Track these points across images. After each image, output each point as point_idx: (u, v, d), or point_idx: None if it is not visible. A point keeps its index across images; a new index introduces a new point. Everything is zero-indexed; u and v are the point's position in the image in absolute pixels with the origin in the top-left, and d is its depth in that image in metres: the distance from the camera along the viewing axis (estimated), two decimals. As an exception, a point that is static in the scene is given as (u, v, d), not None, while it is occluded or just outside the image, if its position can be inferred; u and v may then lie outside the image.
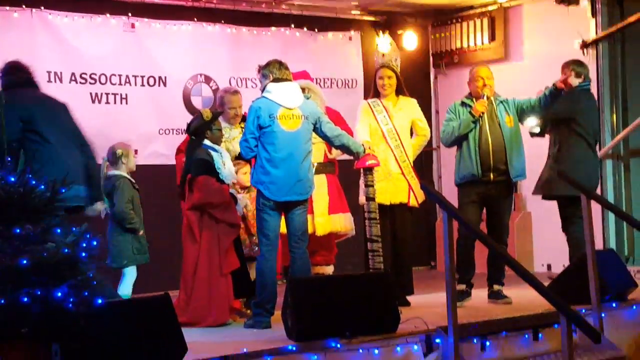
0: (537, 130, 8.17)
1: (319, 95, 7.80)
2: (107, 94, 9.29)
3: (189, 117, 9.57)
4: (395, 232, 7.76)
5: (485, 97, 7.66)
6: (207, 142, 7.13)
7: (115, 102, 9.34)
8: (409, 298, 7.64)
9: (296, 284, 6.09)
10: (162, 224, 8.60)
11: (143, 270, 7.67)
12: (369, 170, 7.24)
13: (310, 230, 7.45)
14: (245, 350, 5.44)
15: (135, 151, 9.03)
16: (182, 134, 9.54)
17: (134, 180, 7.56)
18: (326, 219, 7.84)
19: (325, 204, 7.84)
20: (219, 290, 6.90)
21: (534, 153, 8.29)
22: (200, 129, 7.15)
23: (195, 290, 6.92)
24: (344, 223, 7.97)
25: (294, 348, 5.61)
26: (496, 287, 7.68)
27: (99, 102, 9.25)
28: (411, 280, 7.87)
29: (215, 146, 7.14)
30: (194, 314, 6.84)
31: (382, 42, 8.00)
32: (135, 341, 5.05)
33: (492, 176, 7.62)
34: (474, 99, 7.75)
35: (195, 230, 7.00)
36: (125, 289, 7.38)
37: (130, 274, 7.46)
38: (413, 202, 7.75)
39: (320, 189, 7.73)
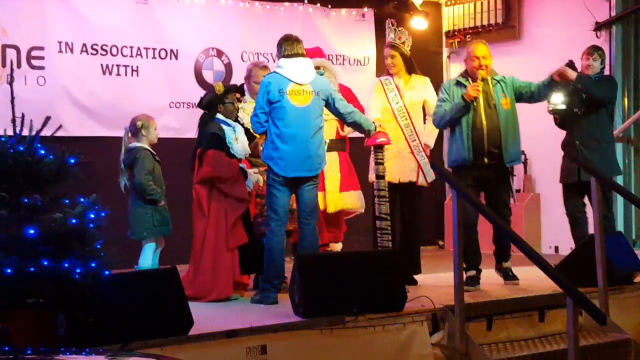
0: (562, 107, 8.07)
1: (333, 73, 7.77)
2: (118, 66, 9.28)
3: (200, 91, 9.60)
4: (403, 211, 7.75)
5: (480, 80, 7.21)
6: (219, 116, 7.12)
7: (126, 75, 9.32)
8: (416, 277, 7.63)
9: (304, 260, 6.08)
10: (171, 197, 8.60)
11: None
12: (380, 148, 7.21)
13: (321, 208, 7.46)
14: (251, 325, 5.45)
15: (144, 124, 9.06)
16: (193, 107, 9.54)
17: (155, 152, 7.55)
18: (337, 196, 7.81)
19: (336, 181, 7.81)
20: (224, 265, 6.90)
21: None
22: (213, 103, 7.14)
23: (202, 264, 6.93)
24: (354, 201, 7.95)
25: (301, 324, 5.61)
26: (505, 264, 7.41)
27: (110, 74, 9.23)
28: (419, 260, 7.84)
29: (228, 120, 7.12)
30: (199, 288, 6.85)
31: (390, 24, 7.90)
32: (142, 314, 5.07)
33: (486, 160, 7.23)
34: (470, 79, 7.34)
35: (203, 205, 6.99)
36: (145, 261, 7.38)
37: (149, 247, 7.45)
38: (422, 182, 7.72)
39: (332, 166, 7.71)
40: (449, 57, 11.60)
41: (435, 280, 7.59)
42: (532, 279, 7.02)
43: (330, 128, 7.65)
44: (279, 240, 6.70)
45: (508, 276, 7.36)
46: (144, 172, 7.30)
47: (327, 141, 7.48)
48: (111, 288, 4.93)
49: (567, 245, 9.18)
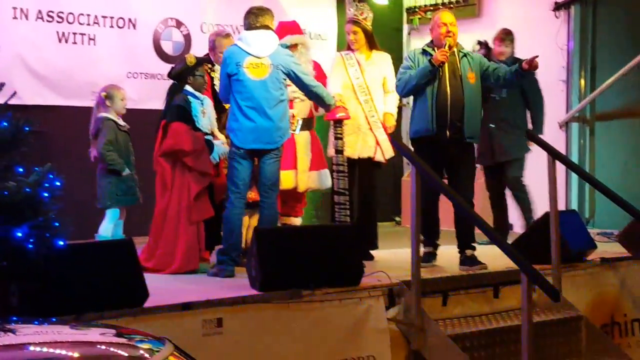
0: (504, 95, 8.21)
1: (307, 48, 7.72)
2: (74, 34, 9.13)
3: (159, 62, 9.55)
4: (361, 186, 7.74)
5: (447, 46, 6.95)
6: (188, 88, 7.08)
7: (82, 43, 9.17)
8: (373, 253, 7.64)
9: (262, 234, 6.06)
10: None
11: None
12: (339, 122, 7.21)
13: (291, 186, 7.46)
14: (207, 298, 5.43)
15: (101, 94, 8.96)
16: (151, 78, 9.48)
17: (122, 123, 7.53)
18: (307, 175, 7.76)
19: (307, 160, 7.77)
20: (187, 238, 6.87)
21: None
22: (183, 74, 7.09)
23: (163, 237, 6.90)
24: (323, 180, 7.89)
25: (257, 297, 5.60)
26: (469, 252, 7.05)
27: (66, 42, 9.08)
28: (376, 235, 7.86)
29: (197, 93, 7.07)
30: (159, 261, 6.83)
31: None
32: (96, 285, 5.02)
33: (448, 134, 6.95)
34: (436, 48, 7.07)
35: (167, 178, 6.95)
36: (105, 230, 7.36)
37: (111, 216, 7.43)
38: (379, 157, 7.70)
39: (304, 145, 7.70)
40: (409, 33, 11.59)
41: (392, 256, 7.62)
42: (487, 256, 7.06)
43: (304, 107, 7.65)
44: (238, 213, 6.68)
45: (475, 263, 6.98)
46: (103, 141, 7.33)
47: (300, 120, 7.55)
48: (65, 258, 4.88)
49: (520, 223, 9.26)
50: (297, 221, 7.87)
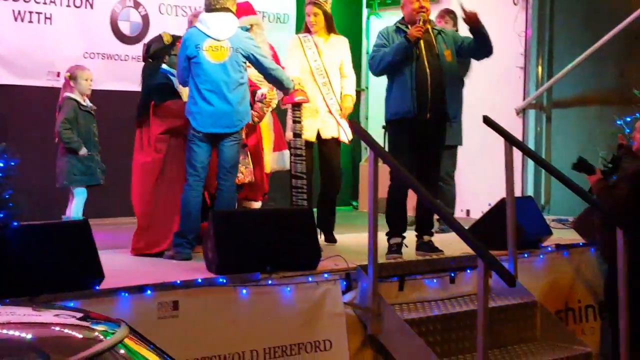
0: None
1: (262, 29, 7.67)
2: (30, 13, 9.00)
3: (115, 42, 9.46)
4: (324, 168, 7.69)
5: (421, 22, 6.71)
6: (165, 66, 7.03)
7: (39, 22, 9.05)
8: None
9: (218, 217, 6.03)
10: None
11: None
12: (297, 106, 7.20)
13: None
14: (163, 280, 5.39)
15: (57, 73, 8.87)
16: (108, 59, 9.39)
17: (85, 103, 7.55)
18: (270, 157, 7.71)
19: (270, 142, 7.72)
20: (177, 219, 6.80)
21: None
22: (160, 53, 7.03)
23: (158, 220, 6.85)
24: (285, 161, 7.83)
25: (213, 280, 5.57)
26: (426, 237, 6.95)
27: (22, 20, 8.96)
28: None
29: (173, 70, 7.00)
30: (151, 239, 6.83)
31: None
32: (51, 266, 4.96)
33: (428, 115, 6.76)
34: (409, 25, 6.83)
35: (158, 160, 6.88)
36: (74, 211, 7.31)
37: (78, 196, 7.38)
38: (343, 138, 7.65)
39: (268, 127, 7.65)
40: (368, 17, 11.58)
41: (349, 241, 7.63)
42: (443, 241, 7.10)
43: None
44: (196, 196, 6.65)
45: (433, 249, 6.90)
46: (61, 120, 7.34)
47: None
48: (19, 239, 4.83)
49: (478, 209, 9.31)
50: (257, 205, 7.83)
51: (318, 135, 7.57)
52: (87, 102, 7.59)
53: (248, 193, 7.57)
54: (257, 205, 7.77)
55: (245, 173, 7.24)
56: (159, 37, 7.13)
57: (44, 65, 8.91)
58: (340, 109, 7.63)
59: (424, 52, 6.78)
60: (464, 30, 7.36)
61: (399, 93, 6.81)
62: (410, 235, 6.99)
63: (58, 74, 8.68)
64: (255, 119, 7.28)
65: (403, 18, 7.00)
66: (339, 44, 7.75)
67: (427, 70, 6.75)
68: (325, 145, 7.62)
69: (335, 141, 7.63)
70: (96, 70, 9.08)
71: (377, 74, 7.13)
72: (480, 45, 6.93)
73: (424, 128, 6.79)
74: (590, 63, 9.63)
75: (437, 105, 6.80)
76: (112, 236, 7.49)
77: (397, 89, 6.85)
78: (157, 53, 7.05)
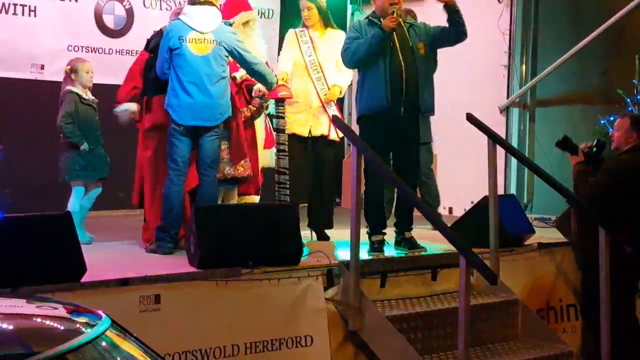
0: None
1: (257, 26, 7.66)
2: (14, 5, 8.99)
3: (100, 36, 9.45)
4: (316, 165, 7.67)
5: (395, 13, 6.63)
6: None
7: (23, 14, 9.04)
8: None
9: (201, 211, 6.02)
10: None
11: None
12: (281, 101, 7.20)
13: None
14: (145, 274, 5.38)
15: (42, 66, 8.84)
16: (93, 52, 9.36)
17: (87, 96, 7.45)
18: (261, 154, 7.68)
19: (263, 139, 7.70)
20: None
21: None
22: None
23: (157, 212, 6.84)
24: (274, 158, 7.81)
25: (196, 275, 5.56)
26: (408, 234, 6.92)
27: (6, 12, 8.95)
28: (331, 215, 7.81)
29: None
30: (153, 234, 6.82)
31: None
32: (33, 258, 4.95)
33: (402, 109, 6.69)
34: (381, 19, 6.73)
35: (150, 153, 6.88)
36: (72, 205, 7.26)
37: (76, 191, 7.32)
38: (333, 136, 7.61)
39: (260, 124, 7.63)
40: (352, 14, 11.58)
41: (331, 237, 7.62)
42: (426, 238, 7.12)
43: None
44: (178, 190, 6.64)
45: (415, 246, 6.90)
46: (62, 113, 7.26)
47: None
48: (1, 231, 4.81)
49: (460, 206, 9.35)
50: (256, 199, 7.79)
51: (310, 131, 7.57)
52: (88, 95, 7.49)
53: (246, 188, 7.55)
54: (256, 199, 7.72)
55: (245, 167, 7.23)
56: (160, 32, 7.10)
57: (28, 58, 8.88)
58: (335, 105, 7.63)
59: (397, 45, 6.71)
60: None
61: (372, 87, 6.74)
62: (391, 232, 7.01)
63: (42, 67, 8.65)
64: (255, 114, 7.28)
65: (374, 12, 6.95)
66: (336, 38, 7.56)
67: (402, 64, 6.68)
68: (315, 143, 7.59)
69: (325, 139, 7.60)
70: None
71: (351, 65, 7.05)
72: (454, 25, 6.87)
73: (398, 124, 6.72)
74: (574, 62, 9.66)
75: (411, 99, 6.73)
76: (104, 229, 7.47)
77: (370, 83, 6.78)
78: (157, 47, 7.01)
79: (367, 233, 6.82)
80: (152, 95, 6.92)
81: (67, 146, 7.36)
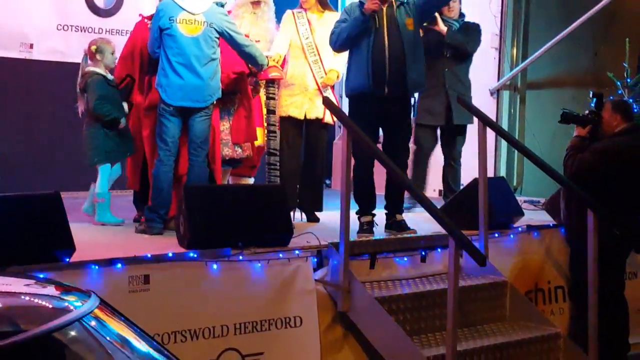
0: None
1: (270, 7, 7.61)
2: (2, -18, 8.93)
3: (90, 15, 9.38)
4: (308, 147, 7.68)
5: None
6: None
7: (11, -8, 8.98)
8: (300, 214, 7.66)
9: (191, 192, 6.01)
10: (55, 121, 8.40)
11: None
12: (272, 82, 7.18)
13: (262, 143, 7.42)
14: (134, 254, 5.38)
15: (31, 45, 8.79)
16: (82, 31, 9.30)
17: (110, 78, 7.22)
18: (259, 131, 7.64)
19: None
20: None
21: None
22: None
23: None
24: None
25: (184, 255, 5.56)
26: (399, 217, 6.90)
27: (-5, -9, 8.89)
28: (321, 197, 7.82)
29: None
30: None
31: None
32: (21, 238, 4.94)
33: (386, 90, 6.65)
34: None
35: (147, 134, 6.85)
36: (101, 186, 7.17)
37: (104, 170, 7.20)
38: (328, 119, 7.62)
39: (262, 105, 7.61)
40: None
41: (321, 218, 7.64)
42: (415, 220, 7.12)
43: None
44: (167, 171, 6.63)
45: (405, 228, 6.88)
46: (94, 98, 7.01)
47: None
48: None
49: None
50: (250, 181, 7.78)
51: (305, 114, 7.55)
52: (109, 76, 7.24)
53: (243, 170, 7.52)
54: (251, 181, 7.71)
55: (244, 147, 7.21)
56: None
57: (17, 37, 8.82)
58: (331, 88, 7.63)
59: (385, 24, 6.67)
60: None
61: (356, 67, 6.74)
62: (382, 214, 7.01)
63: (31, 46, 8.59)
64: (253, 93, 7.28)
65: None
66: (333, 21, 7.39)
67: (386, 43, 6.62)
68: (310, 126, 7.60)
69: (320, 122, 7.60)
70: (69, 42, 9.07)
71: (337, 49, 7.06)
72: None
73: (383, 104, 6.71)
74: (565, 45, 9.67)
75: (396, 78, 6.67)
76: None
77: (354, 63, 6.79)
78: None
79: (356, 213, 6.82)
80: (152, 73, 6.87)
81: (96, 127, 7.09)
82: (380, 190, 7.04)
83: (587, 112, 7.07)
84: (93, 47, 7.19)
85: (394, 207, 6.96)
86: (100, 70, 7.15)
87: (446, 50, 8.18)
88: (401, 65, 6.68)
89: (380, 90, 6.66)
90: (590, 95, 7.14)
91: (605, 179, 6.73)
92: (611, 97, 7.82)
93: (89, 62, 7.22)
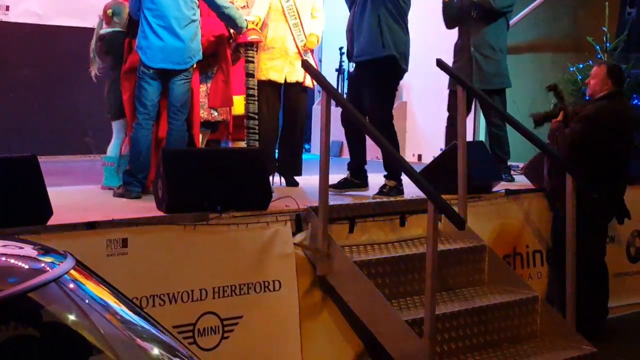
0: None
1: None
2: (-21, -55, 8.80)
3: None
4: (288, 111, 7.68)
5: None
6: None
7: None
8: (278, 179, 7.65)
9: (169, 155, 5.98)
10: (32, 84, 8.32)
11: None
12: (250, 45, 7.13)
13: (243, 112, 7.35)
14: (112, 217, 5.35)
15: (7, 7, 8.69)
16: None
17: None
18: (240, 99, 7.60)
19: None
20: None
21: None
22: None
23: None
24: None
25: (163, 219, 5.54)
26: (391, 183, 6.99)
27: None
28: (301, 162, 7.83)
29: None
30: None
31: None
32: (-2, 201, 4.90)
33: (353, 56, 7.12)
34: None
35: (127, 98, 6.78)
36: (110, 150, 7.13)
37: (117, 135, 7.14)
38: (308, 83, 7.61)
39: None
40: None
41: (300, 182, 7.63)
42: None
43: None
44: (146, 134, 6.59)
45: (399, 192, 6.99)
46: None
47: None
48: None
49: (429, 153, 9.36)
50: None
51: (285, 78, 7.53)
52: None
53: (239, 134, 7.46)
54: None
55: (220, 111, 7.17)
56: None
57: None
58: (310, 51, 7.60)
59: None
60: None
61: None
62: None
63: (7, 8, 8.48)
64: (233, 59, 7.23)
65: None
66: None
67: (355, 10, 6.96)
68: (290, 90, 7.59)
69: (300, 86, 7.58)
70: (44, 4, 8.96)
71: None
72: None
73: (355, 69, 7.15)
74: (545, 9, 9.64)
75: (353, 46, 7.00)
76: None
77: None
78: None
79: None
80: (133, 36, 6.81)
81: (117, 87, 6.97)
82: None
83: (552, 106, 7.13)
84: (109, 11, 7.16)
85: (389, 172, 7.00)
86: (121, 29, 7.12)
87: (473, 9, 8.11)
88: (365, 34, 6.92)
89: (351, 58, 7.21)
90: (548, 90, 7.18)
91: (593, 145, 6.76)
92: (591, 62, 7.83)
93: (104, 25, 7.17)
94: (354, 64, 7.20)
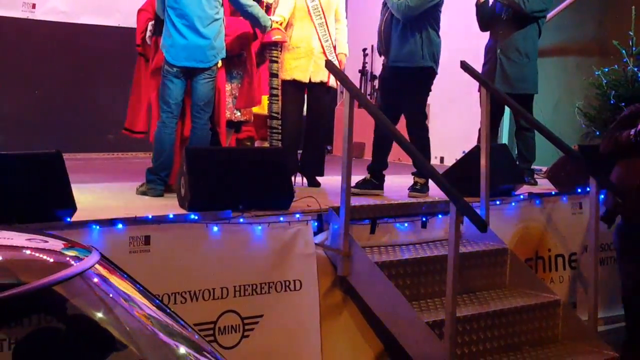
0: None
1: None
2: (6, -58, 8.85)
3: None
4: (311, 111, 7.69)
5: None
6: None
7: (13, -47, 8.90)
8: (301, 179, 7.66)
9: (192, 154, 5.99)
10: (56, 81, 8.36)
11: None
12: (274, 45, 7.14)
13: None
14: (135, 215, 5.37)
15: (33, 5, 8.74)
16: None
17: None
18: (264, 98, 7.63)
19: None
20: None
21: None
22: None
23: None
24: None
25: (185, 217, 5.56)
26: (421, 180, 7.11)
27: (-3, -50, 8.81)
28: (323, 162, 7.84)
29: None
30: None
31: None
32: (22, 197, 4.93)
33: (387, 60, 7.22)
34: None
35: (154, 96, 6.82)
36: None
37: None
38: (332, 83, 7.62)
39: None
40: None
41: (322, 183, 7.63)
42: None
43: None
44: (169, 133, 6.61)
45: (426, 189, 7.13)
46: None
47: None
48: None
49: (452, 156, 9.33)
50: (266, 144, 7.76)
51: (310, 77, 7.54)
52: None
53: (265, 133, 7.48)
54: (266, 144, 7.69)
55: (243, 111, 7.18)
56: None
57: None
58: (334, 51, 7.60)
59: None
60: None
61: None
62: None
63: (34, 6, 8.53)
64: (258, 61, 7.25)
65: None
66: None
67: (385, 14, 7.08)
68: (314, 90, 7.59)
69: (324, 86, 7.58)
70: (71, 2, 8.99)
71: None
72: None
73: (384, 72, 7.23)
74: (570, 12, 9.59)
75: (391, 49, 7.05)
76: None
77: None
78: None
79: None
80: (159, 34, 6.84)
81: None
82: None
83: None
84: None
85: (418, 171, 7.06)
86: None
87: (504, 12, 8.09)
88: (394, 36, 7.06)
89: (385, 61, 7.23)
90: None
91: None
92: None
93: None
94: (388, 67, 7.15)
